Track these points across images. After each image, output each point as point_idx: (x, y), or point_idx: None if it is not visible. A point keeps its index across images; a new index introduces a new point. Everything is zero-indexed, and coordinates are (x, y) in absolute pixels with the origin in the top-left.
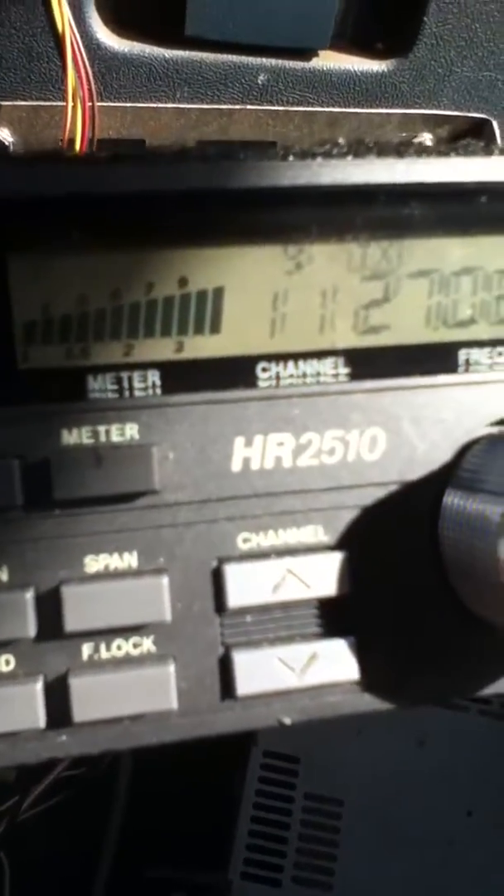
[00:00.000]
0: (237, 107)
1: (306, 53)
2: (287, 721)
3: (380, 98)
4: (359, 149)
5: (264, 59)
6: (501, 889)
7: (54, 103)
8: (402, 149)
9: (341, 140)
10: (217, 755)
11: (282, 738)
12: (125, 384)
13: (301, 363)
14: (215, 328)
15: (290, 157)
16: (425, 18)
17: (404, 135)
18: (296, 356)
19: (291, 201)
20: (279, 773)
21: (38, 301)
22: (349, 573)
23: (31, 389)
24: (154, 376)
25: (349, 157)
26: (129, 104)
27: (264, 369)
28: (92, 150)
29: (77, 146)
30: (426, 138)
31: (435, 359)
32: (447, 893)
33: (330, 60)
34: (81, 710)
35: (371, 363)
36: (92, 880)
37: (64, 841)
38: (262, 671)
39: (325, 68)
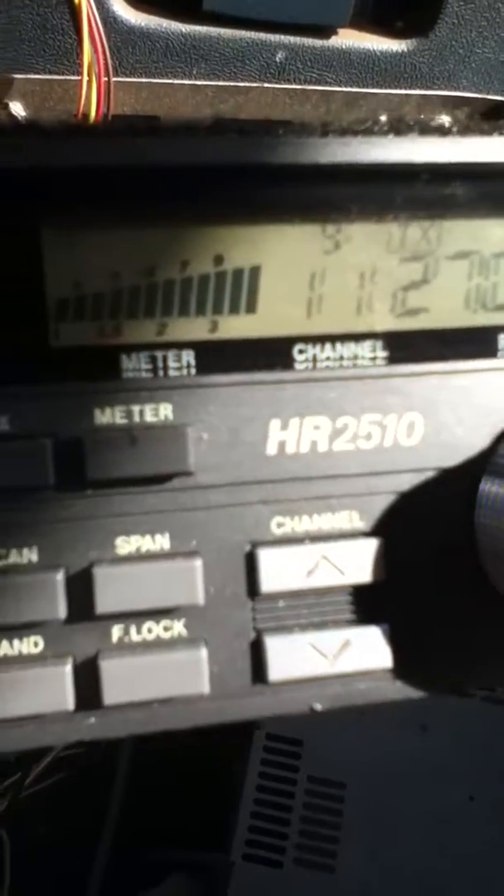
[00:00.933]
0: (254, 84)
1: (325, 31)
2: (318, 707)
3: (399, 78)
4: (400, 127)
5: (282, 37)
6: (502, 873)
7: (68, 77)
8: (444, 128)
9: (383, 117)
10: (220, 737)
11: (285, 721)
12: (159, 363)
13: (339, 345)
14: (251, 308)
15: (330, 135)
16: None
17: (422, 116)
18: (333, 338)
19: (330, 179)
20: (282, 756)
21: (71, 277)
22: (384, 560)
23: (64, 368)
24: (189, 356)
25: (390, 136)
26: (144, 80)
27: (301, 351)
28: (120, 122)
29: (91, 121)
30: (445, 120)
31: (474, 343)
32: (449, 877)
33: (349, 38)
34: (111, 692)
35: (409, 346)
36: (92, 860)
37: (64, 820)
38: (295, 657)
39: (343, 47)
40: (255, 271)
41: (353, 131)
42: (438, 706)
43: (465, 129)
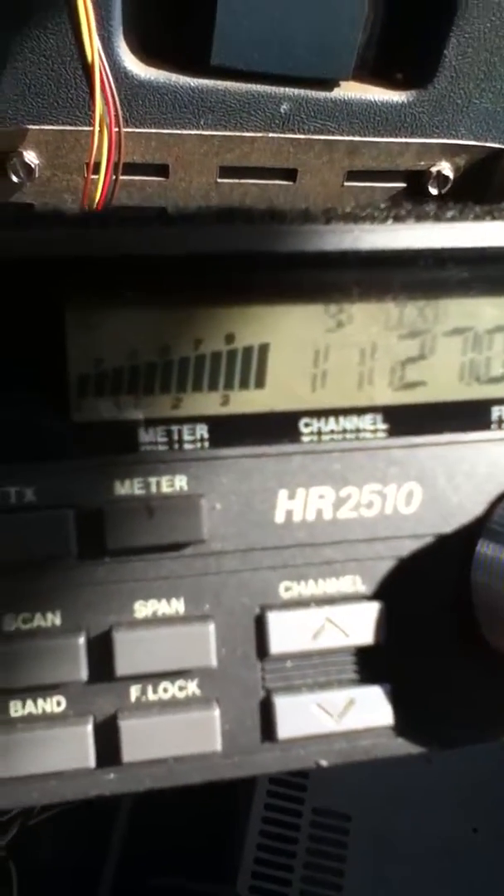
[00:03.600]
0: (259, 134)
1: (329, 83)
2: (324, 764)
3: (399, 127)
4: (398, 214)
5: (287, 89)
6: None
7: (80, 128)
8: (440, 213)
9: (382, 205)
10: None
11: None
12: (175, 437)
13: (342, 419)
14: (260, 383)
15: (332, 222)
16: (445, 52)
17: (422, 163)
18: (336, 412)
19: (334, 264)
20: (287, 788)
21: (92, 355)
22: (385, 622)
23: (85, 441)
24: (202, 429)
25: (389, 222)
26: (153, 130)
27: (307, 424)
28: (142, 212)
29: (102, 170)
30: (444, 167)
31: (468, 415)
32: None
33: (351, 90)
34: (130, 750)
35: (408, 419)
36: (98, 887)
37: (70, 849)
38: (302, 715)
39: (346, 98)
40: (264, 349)
41: (355, 217)
42: None
43: (459, 215)
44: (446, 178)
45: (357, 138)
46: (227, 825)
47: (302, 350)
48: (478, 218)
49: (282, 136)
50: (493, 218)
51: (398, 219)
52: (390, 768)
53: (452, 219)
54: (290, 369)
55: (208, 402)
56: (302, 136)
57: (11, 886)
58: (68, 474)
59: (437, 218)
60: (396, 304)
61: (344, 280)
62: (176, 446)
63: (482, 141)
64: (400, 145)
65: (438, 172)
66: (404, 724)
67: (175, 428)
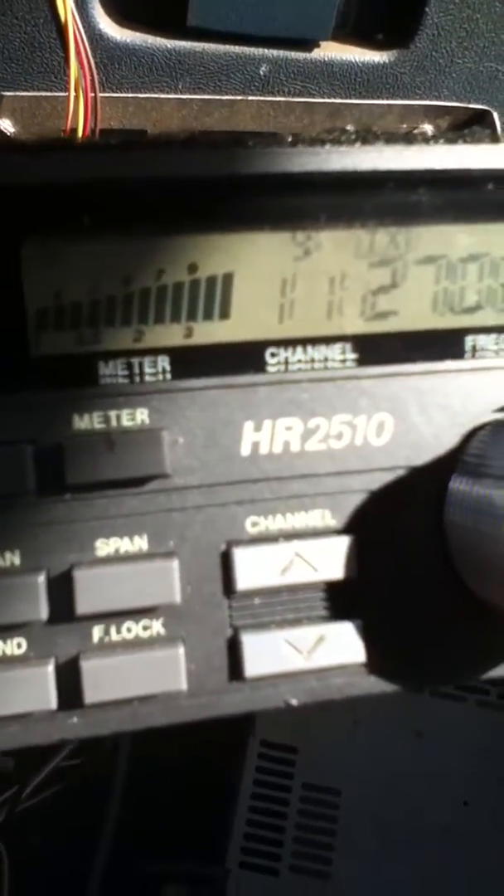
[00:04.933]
0: (239, 97)
1: (308, 44)
2: (294, 702)
3: (381, 89)
4: (367, 136)
5: (266, 50)
6: (498, 878)
7: (56, 94)
8: (411, 137)
9: (350, 127)
10: (215, 745)
11: (279, 729)
12: (136, 370)
13: (309, 348)
14: (224, 314)
15: (299, 145)
16: (427, 9)
17: (405, 126)
18: (304, 341)
19: (300, 188)
20: (277, 764)
21: (51, 288)
22: (356, 557)
23: (44, 376)
24: (164, 362)
25: (357, 144)
26: (131, 95)
27: (273, 354)
28: (99, 138)
29: (79, 137)
30: (427, 129)
31: (442, 345)
32: (444, 883)
33: (331, 51)
34: (92, 691)
35: (378, 349)
36: (89, 871)
37: (61, 832)
38: (270, 653)
39: (326, 59)
40: (228, 278)
41: (322, 141)
42: (432, 712)
43: (430, 138)
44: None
45: (338, 100)
46: (218, 802)
47: (268, 279)
48: (450, 141)
49: (261, 98)
50: (465, 142)
51: (367, 141)
52: (380, 741)
53: (424, 141)
54: (255, 299)
55: (171, 334)
56: (282, 99)
57: (2, 870)
58: (26, 409)
59: (409, 140)
60: (366, 230)
61: (311, 205)
62: (137, 379)
63: (465, 102)
64: (382, 107)
65: (410, 132)
66: (376, 662)
67: (136, 360)
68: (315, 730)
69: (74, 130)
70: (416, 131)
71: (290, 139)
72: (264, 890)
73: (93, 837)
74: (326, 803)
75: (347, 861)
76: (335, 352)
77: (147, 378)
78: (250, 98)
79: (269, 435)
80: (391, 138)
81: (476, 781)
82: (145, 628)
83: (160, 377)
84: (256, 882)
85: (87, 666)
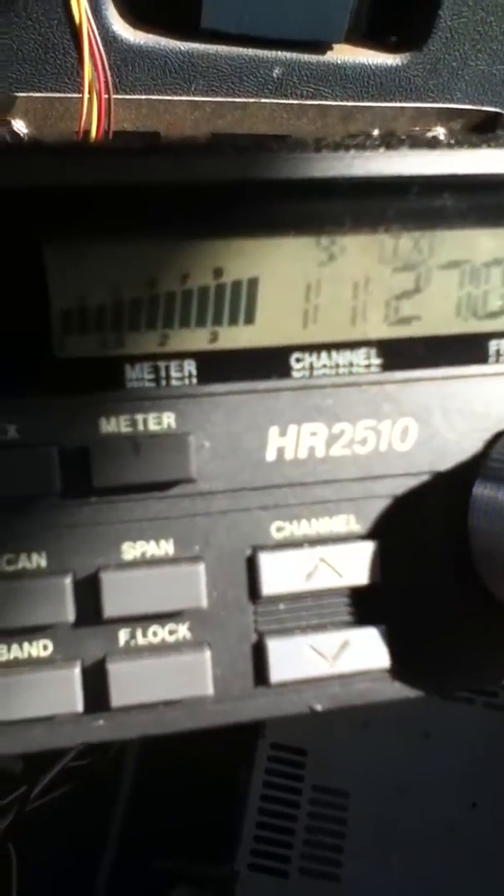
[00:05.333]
0: (251, 100)
1: (321, 47)
2: (318, 708)
3: (393, 92)
4: (391, 141)
5: (279, 53)
6: None
7: (69, 95)
8: (434, 141)
9: (374, 132)
10: (224, 747)
11: (289, 731)
12: (162, 374)
13: (334, 354)
14: (250, 319)
15: (323, 150)
16: (440, 12)
17: (417, 129)
18: (329, 347)
19: (324, 193)
20: (286, 765)
21: (75, 290)
22: (380, 562)
23: (69, 378)
24: (190, 366)
25: (382, 149)
26: (144, 97)
27: (298, 360)
28: (114, 140)
29: (92, 138)
30: (439, 132)
31: (465, 350)
32: (453, 884)
33: (344, 54)
34: (119, 695)
35: (402, 354)
36: (97, 871)
37: (69, 832)
38: (295, 658)
39: (339, 62)
40: (253, 283)
41: (346, 146)
42: (440, 714)
43: (454, 143)
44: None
45: (351, 103)
46: (227, 804)
47: (293, 284)
48: (474, 146)
49: (274, 101)
50: (489, 145)
51: (391, 146)
52: (389, 743)
53: (448, 146)
54: (280, 304)
55: (196, 339)
56: (295, 102)
57: (11, 870)
58: (52, 412)
59: (432, 145)
60: (390, 235)
61: (335, 210)
62: (163, 383)
63: (478, 105)
64: (394, 110)
65: (431, 139)
66: (400, 668)
67: (162, 364)
68: (324, 732)
69: (87, 132)
70: (428, 134)
71: (314, 144)
72: (273, 892)
73: (101, 838)
74: (336, 805)
75: (357, 863)
76: (359, 357)
77: (173, 382)
78: (263, 100)
79: (293, 440)
80: (415, 143)
81: (484, 783)
82: (171, 632)
83: (186, 381)
84: (266, 884)
85: (114, 669)
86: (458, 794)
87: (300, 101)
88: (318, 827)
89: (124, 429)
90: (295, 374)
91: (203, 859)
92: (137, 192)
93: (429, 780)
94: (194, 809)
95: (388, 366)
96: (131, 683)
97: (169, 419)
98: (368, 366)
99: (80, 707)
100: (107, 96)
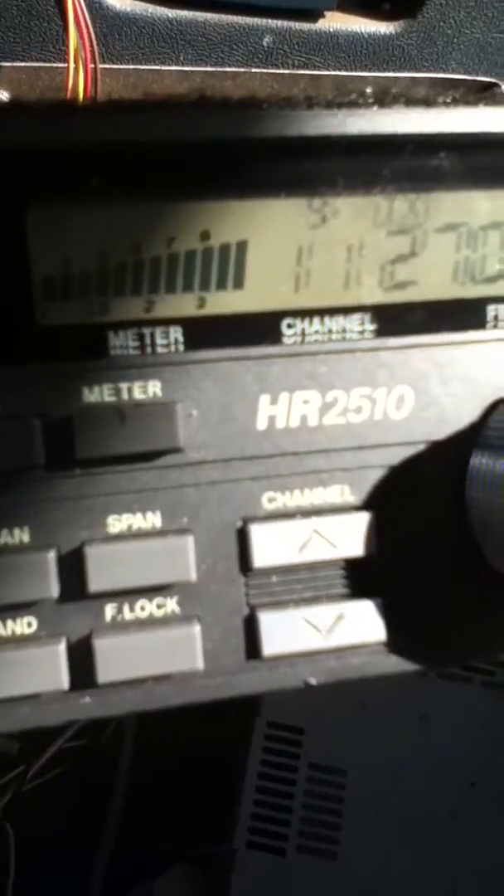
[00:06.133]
0: (241, 69)
1: (312, 15)
2: (313, 681)
3: (387, 61)
4: (385, 99)
5: (270, 21)
6: None
7: (55, 65)
8: (430, 100)
9: (368, 90)
10: (221, 726)
11: (286, 710)
12: (147, 341)
13: (327, 319)
14: (238, 283)
15: (315, 107)
16: None
17: None
18: (321, 312)
19: (316, 152)
20: (283, 744)
21: (58, 255)
22: (376, 533)
23: (52, 346)
24: (176, 332)
25: (375, 107)
26: (131, 66)
27: (289, 325)
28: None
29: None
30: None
31: (463, 315)
32: (451, 864)
33: (336, 22)
34: (105, 671)
35: (398, 320)
36: (96, 851)
37: (67, 812)
38: (288, 632)
39: (331, 30)
40: (242, 246)
41: (339, 104)
42: (439, 692)
43: (450, 101)
44: None
45: (343, 73)
46: (224, 783)
47: (284, 247)
48: (470, 104)
49: (265, 70)
50: (487, 104)
51: (385, 103)
52: (387, 723)
53: (444, 104)
54: (270, 268)
55: (183, 304)
56: (286, 71)
57: (9, 851)
58: (34, 381)
59: (428, 103)
60: (385, 196)
61: (328, 170)
62: (148, 350)
63: (473, 74)
64: (388, 79)
65: (425, 97)
66: (396, 641)
67: (147, 331)
68: (321, 711)
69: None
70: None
71: (305, 102)
72: (271, 869)
73: (99, 817)
74: (333, 784)
75: (354, 841)
76: (353, 323)
77: (159, 349)
78: (253, 70)
79: (285, 408)
80: (410, 101)
81: (482, 762)
82: (159, 606)
83: (172, 348)
84: (263, 862)
85: (100, 645)
86: (456, 773)
87: (291, 71)
88: (315, 805)
89: (108, 398)
90: (286, 340)
91: (201, 838)
92: (121, 151)
93: (427, 759)
94: (192, 788)
95: (382, 332)
96: (118, 659)
97: (155, 387)
98: (362, 332)
99: (66, 684)
100: (93, 66)
